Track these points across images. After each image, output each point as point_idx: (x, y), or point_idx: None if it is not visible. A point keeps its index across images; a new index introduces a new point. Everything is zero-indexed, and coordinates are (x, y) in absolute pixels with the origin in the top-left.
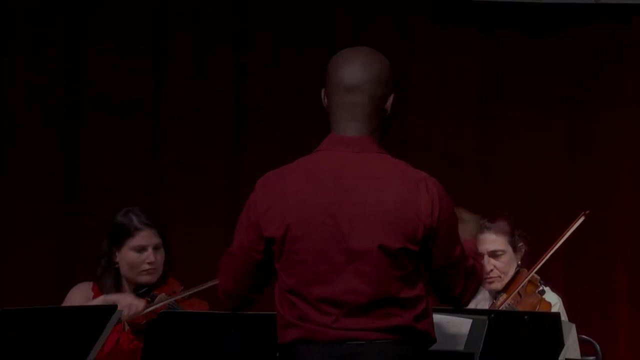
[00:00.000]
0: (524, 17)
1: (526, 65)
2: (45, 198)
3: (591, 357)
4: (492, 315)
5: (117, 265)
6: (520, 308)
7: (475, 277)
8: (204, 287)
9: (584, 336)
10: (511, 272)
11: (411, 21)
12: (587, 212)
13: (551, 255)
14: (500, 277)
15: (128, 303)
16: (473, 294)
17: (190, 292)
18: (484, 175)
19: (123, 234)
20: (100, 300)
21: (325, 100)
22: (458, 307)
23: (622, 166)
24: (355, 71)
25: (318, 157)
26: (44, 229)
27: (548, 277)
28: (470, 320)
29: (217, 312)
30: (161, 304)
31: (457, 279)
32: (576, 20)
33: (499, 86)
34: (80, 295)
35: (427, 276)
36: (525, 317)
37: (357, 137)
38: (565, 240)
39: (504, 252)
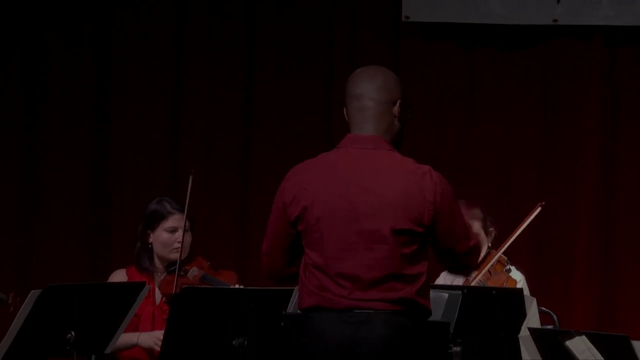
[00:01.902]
0: (499, 35)
1: (502, 75)
2: (76, 194)
3: (549, 326)
4: (465, 291)
5: (150, 246)
6: (489, 283)
7: (475, 253)
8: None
9: (543, 308)
10: (483, 253)
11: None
12: (543, 203)
13: (519, 242)
14: None
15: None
16: (474, 266)
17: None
18: (466, 176)
19: (158, 217)
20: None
21: (345, 111)
22: (464, 274)
23: (584, 163)
24: (361, 82)
25: (337, 153)
26: (75, 220)
27: (515, 258)
28: (447, 295)
29: (230, 287)
30: (195, 274)
31: (460, 253)
32: (539, 38)
33: (478, 93)
34: (117, 279)
35: (431, 252)
36: (494, 292)
37: (370, 135)
38: (525, 228)
39: (477, 234)
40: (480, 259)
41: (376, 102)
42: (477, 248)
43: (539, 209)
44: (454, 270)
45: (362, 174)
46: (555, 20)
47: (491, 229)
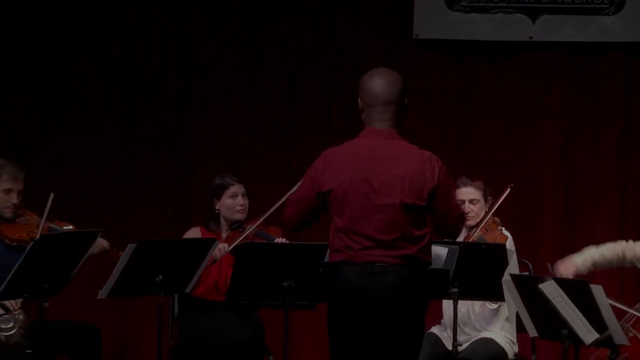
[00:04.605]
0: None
1: (492, 81)
2: (165, 169)
3: (526, 273)
4: (462, 245)
5: (217, 211)
6: (487, 237)
7: (461, 221)
8: (268, 213)
9: (522, 259)
10: (482, 214)
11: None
12: (512, 185)
13: (505, 212)
14: (474, 217)
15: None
16: (460, 231)
17: (263, 218)
18: (465, 164)
19: (222, 188)
20: None
21: (361, 104)
22: (452, 239)
23: (547, 149)
24: (388, 86)
25: (360, 141)
26: (162, 190)
27: (504, 222)
28: (447, 248)
29: (279, 242)
30: (250, 230)
31: (451, 222)
32: (516, 52)
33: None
34: (191, 235)
35: (432, 220)
36: (483, 246)
37: (386, 129)
38: (504, 203)
39: (478, 200)
40: (479, 219)
41: (397, 105)
42: (462, 217)
43: (508, 190)
44: (445, 235)
45: (378, 159)
46: (531, 37)
47: (489, 198)
